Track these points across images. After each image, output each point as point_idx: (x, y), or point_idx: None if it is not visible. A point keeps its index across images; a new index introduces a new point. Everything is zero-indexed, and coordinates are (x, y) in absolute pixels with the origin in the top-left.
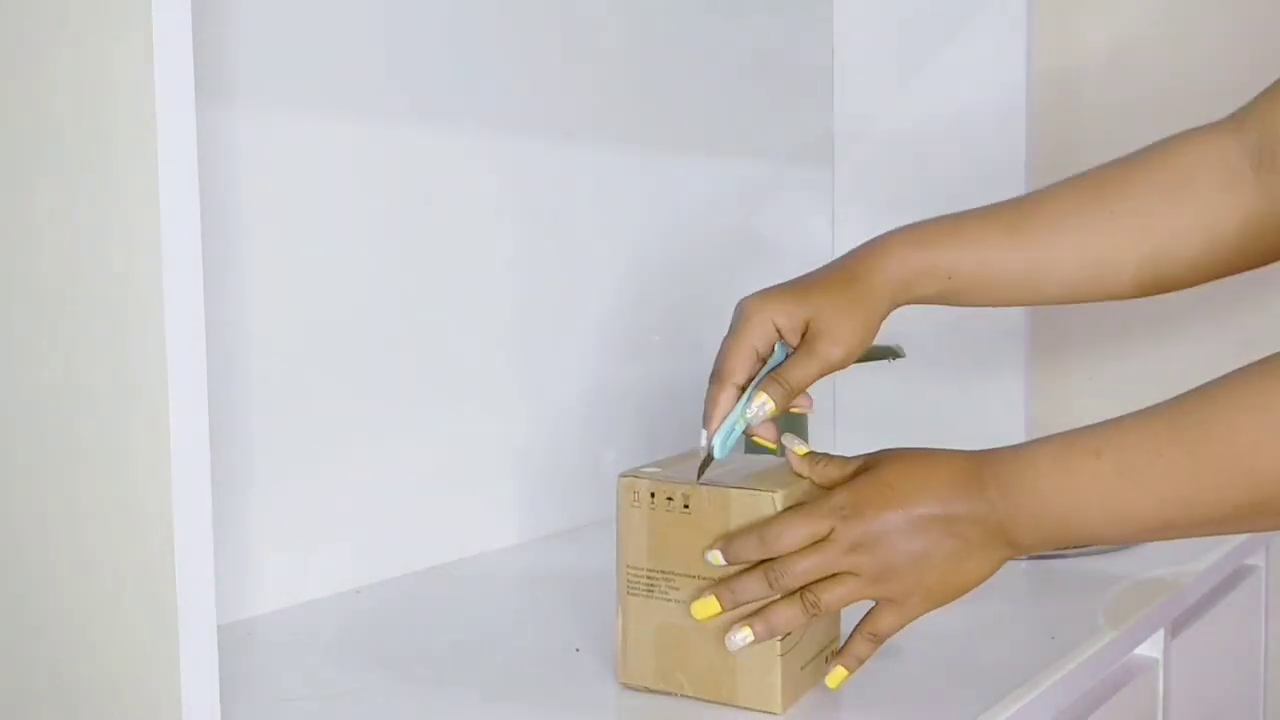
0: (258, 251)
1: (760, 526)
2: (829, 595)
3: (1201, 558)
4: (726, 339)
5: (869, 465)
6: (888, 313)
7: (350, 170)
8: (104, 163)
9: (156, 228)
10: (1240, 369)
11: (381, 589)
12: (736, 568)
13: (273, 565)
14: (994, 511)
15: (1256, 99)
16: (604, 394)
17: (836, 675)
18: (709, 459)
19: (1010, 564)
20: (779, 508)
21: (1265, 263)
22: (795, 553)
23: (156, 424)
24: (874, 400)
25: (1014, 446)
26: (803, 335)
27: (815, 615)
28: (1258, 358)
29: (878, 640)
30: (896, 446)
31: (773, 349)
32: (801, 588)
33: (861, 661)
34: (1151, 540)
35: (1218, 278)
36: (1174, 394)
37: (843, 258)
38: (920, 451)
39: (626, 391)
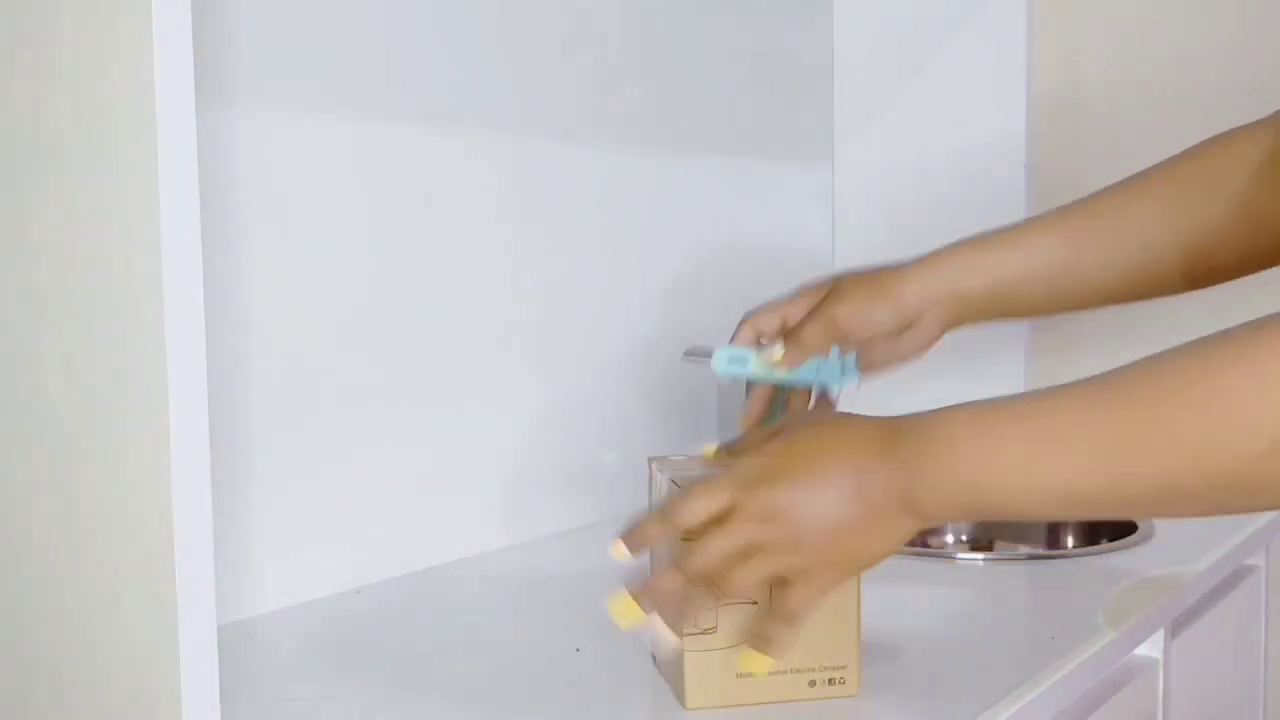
0: (258, 251)
1: (659, 510)
2: (736, 575)
3: (1201, 558)
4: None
5: (776, 431)
6: (918, 303)
7: (350, 170)
8: (104, 163)
9: (156, 228)
10: (1177, 347)
11: (381, 589)
12: None
13: (273, 565)
14: (904, 471)
15: None
16: (604, 394)
17: (747, 660)
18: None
19: (1010, 563)
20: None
21: None
22: (702, 533)
23: (156, 424)
24: (874, 400)
25: (929, 410)
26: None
27: (724, 597)
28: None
29: (794, 620)
30: (812, 413)
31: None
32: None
33: (774, 644)
34: (1063, 516)
35: (1262, 270)
36: None
37: (896, 262)
38: (836, 416)
39: (626, 392)
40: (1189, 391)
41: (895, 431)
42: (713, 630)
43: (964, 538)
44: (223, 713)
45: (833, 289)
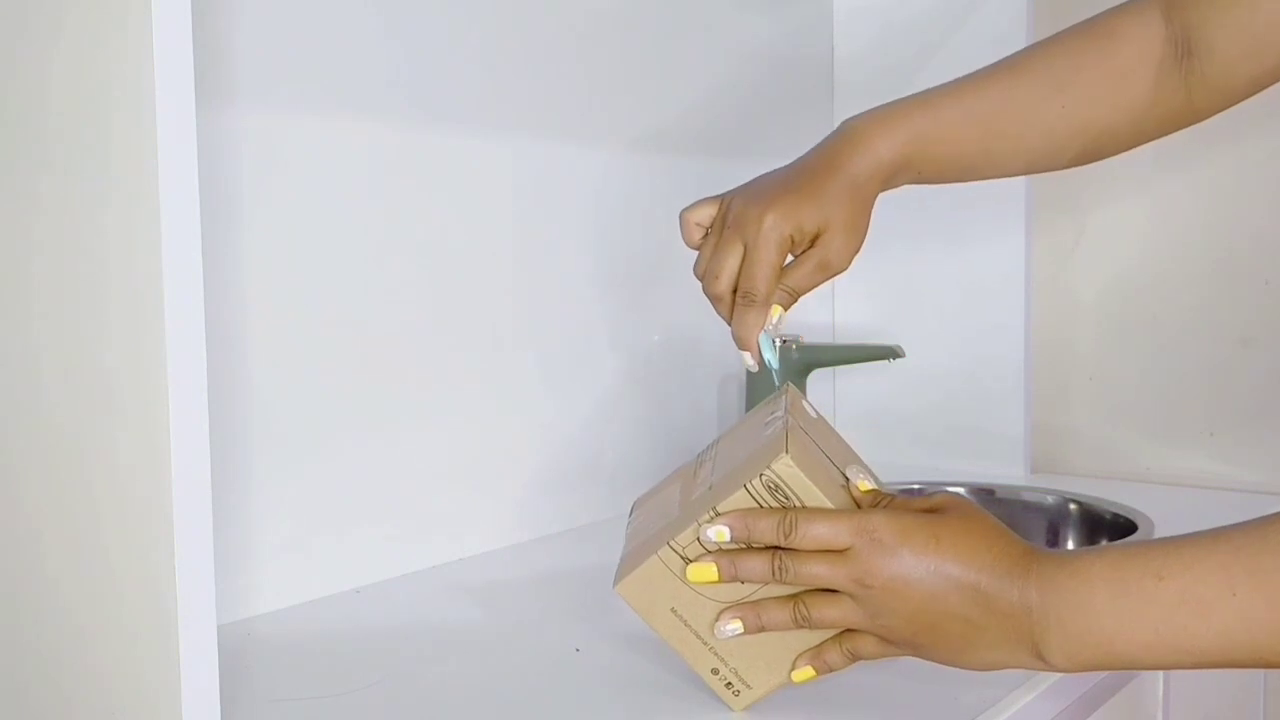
0: (258, 251)
1: (784, 513)
2: (820, 613)
3: None
4: (748, 257)
5: (932, 506)
6: (872, 205)
7: (351, 169)
8: (104, 163)
9: (156, 227)
10: None
11: (381, 589)
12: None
13: (273, 565)
14: (1027, 611)
15: None
16: (604, 395)
17: (803, 673)
18: (781, 395)
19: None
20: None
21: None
22: (809, 552)
23: (156, 424)
24: (874, 400)
25: (1066, 551)
26: (809, 246)
27: (803, 626)
28: (1254, 361)
29: (853, 659)
30: (971, 503)
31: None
32: (799, 595)
33: (832, 670)
34: (1196, 669)
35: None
36: (1170, 388)
37: (826, 150)
38: (984, 515)
39: (627, 392)
40: None
41: (1028, 559)
42: (694, 561)
43: None
44: (223, 713)
45: (820, 228)
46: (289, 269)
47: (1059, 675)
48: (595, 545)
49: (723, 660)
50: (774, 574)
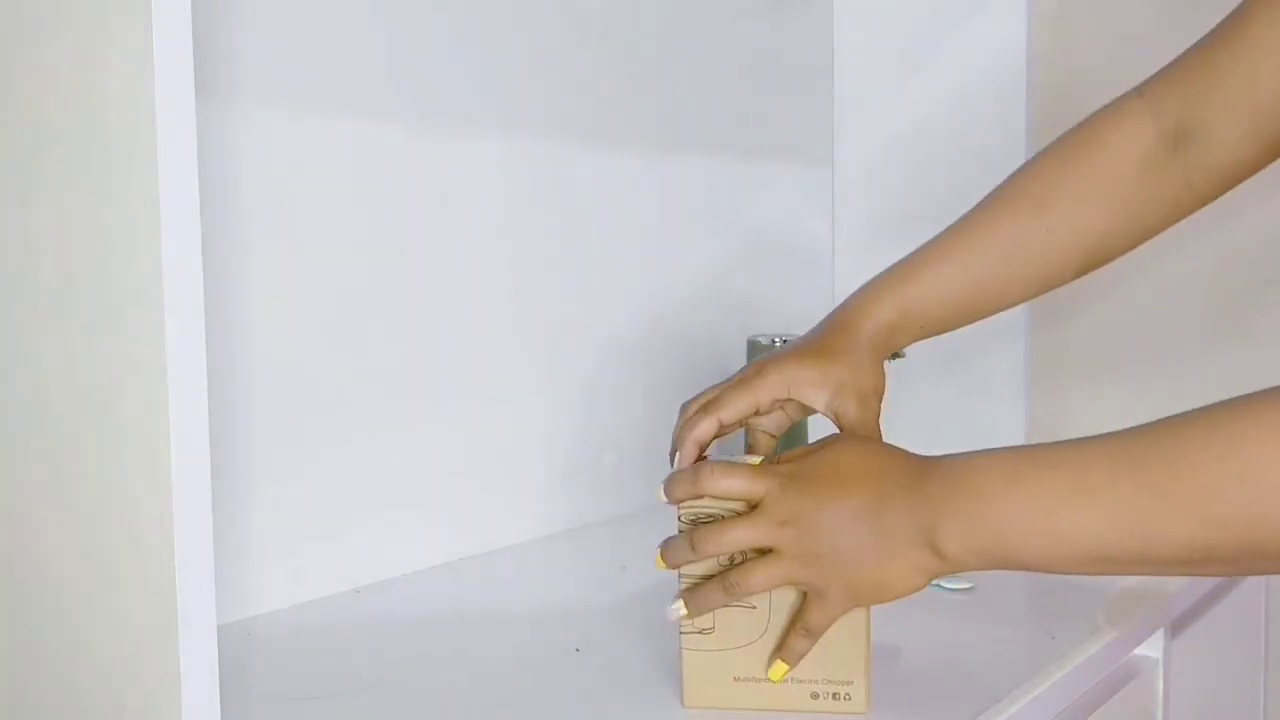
0: (258, 251)
1: (695, 468)
2: (748, 578)
3: None
4: (734, 385)
5: (823, 444)
6: (877, 368)
7: (352, 169)
8: (104, 163)
9: (156, 228)
10: (1216, 405)
11: (381, 589)
12: None
13: (273, 565)
14: (928, 508)
15: (1166, 73)
16: (604, 394)
17: (777, 669)
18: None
19: None
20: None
21: (1176, 223)
22: (725, 521)
23: (156, 424)
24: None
25: (973, 451)
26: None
27: (735, 595)
28: (1254, 361)
29: (811, 635)
30: (860, 437)
31: (772, 408)
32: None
33: (800, 655)
34: (1085, 572)
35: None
36: (1170, 388)
37: (831, 317)
38: (878, 442)
39: (626, 392)
40: (1217, 455)
41: (926, 466)
42: (710, 631)
43: None
44: (223, 713)
45: (757, 371)
46: (289, 269)
47: (1058, 675)
48: (595, 545)
49: (809, 681)
50: (697, 552)
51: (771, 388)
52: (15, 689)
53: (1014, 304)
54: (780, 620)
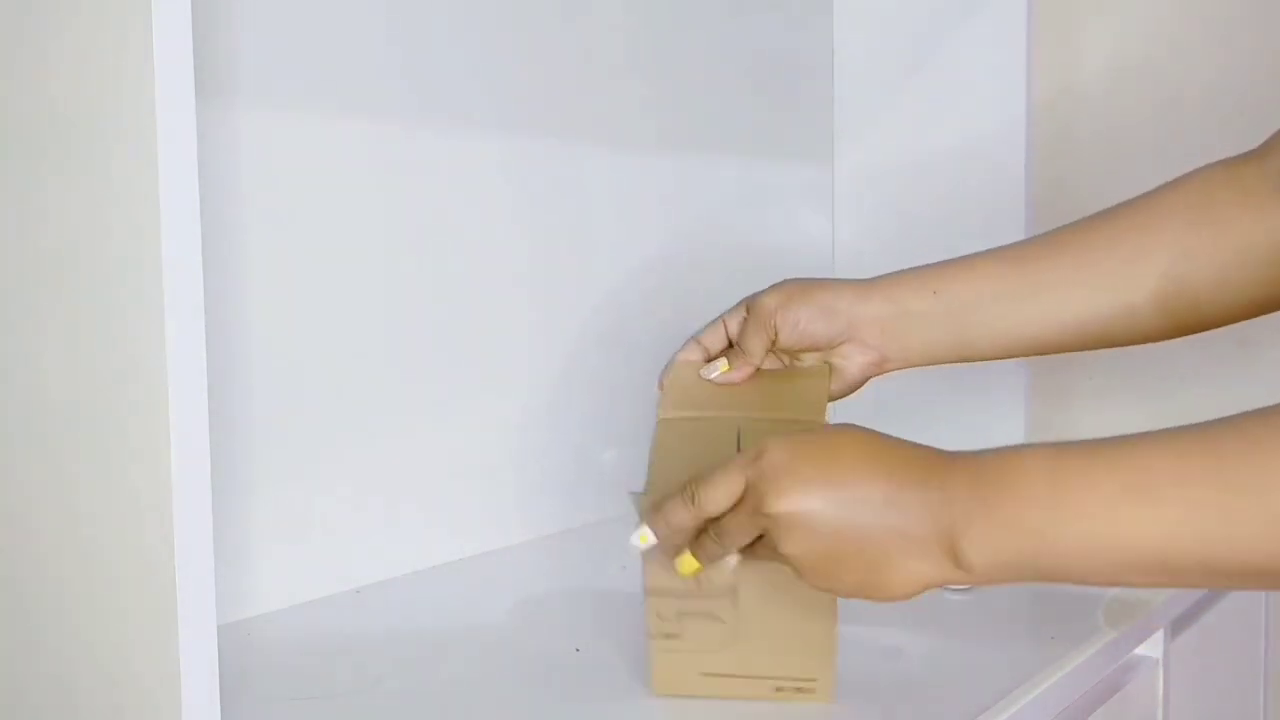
0: (258, 251)
1: (683, 488)
2: (729, 529)
3: None
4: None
5: (814, 430)
6: (850, 316)
7: (352, 169)
8: (104, 162)
9: (156, 227)
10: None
11: (381, 589)
12: None
13: (273, 565)
14: (951, 509)
15: (1273, 136)
16: (604, 394)
17: (686, 563)
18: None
19: None
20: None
21: None
22: (727, 514)
23: (156, 424)
24: (873, 400)
25: (1002, 447)
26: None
27: (720, 549)
28: (1255, 360)
29: (734, 548)
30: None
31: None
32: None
33: (713, 558)
34: (1143, 584)
35: (1262, 311)
36: (1170, 389)
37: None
38: (877, 432)
39: (626, 392)
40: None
41: (947, 461)
42: (677, 637)
43: None
44: (223, 713)
45: (767, 293)
46: (289, 269)
47: (1058, 675)
48: (596, 545)
49: (771, 677)
50: (702, 554)
51: (733, 310)
52: (15, 689)
53: (1074, 336)
54: (748, 629)
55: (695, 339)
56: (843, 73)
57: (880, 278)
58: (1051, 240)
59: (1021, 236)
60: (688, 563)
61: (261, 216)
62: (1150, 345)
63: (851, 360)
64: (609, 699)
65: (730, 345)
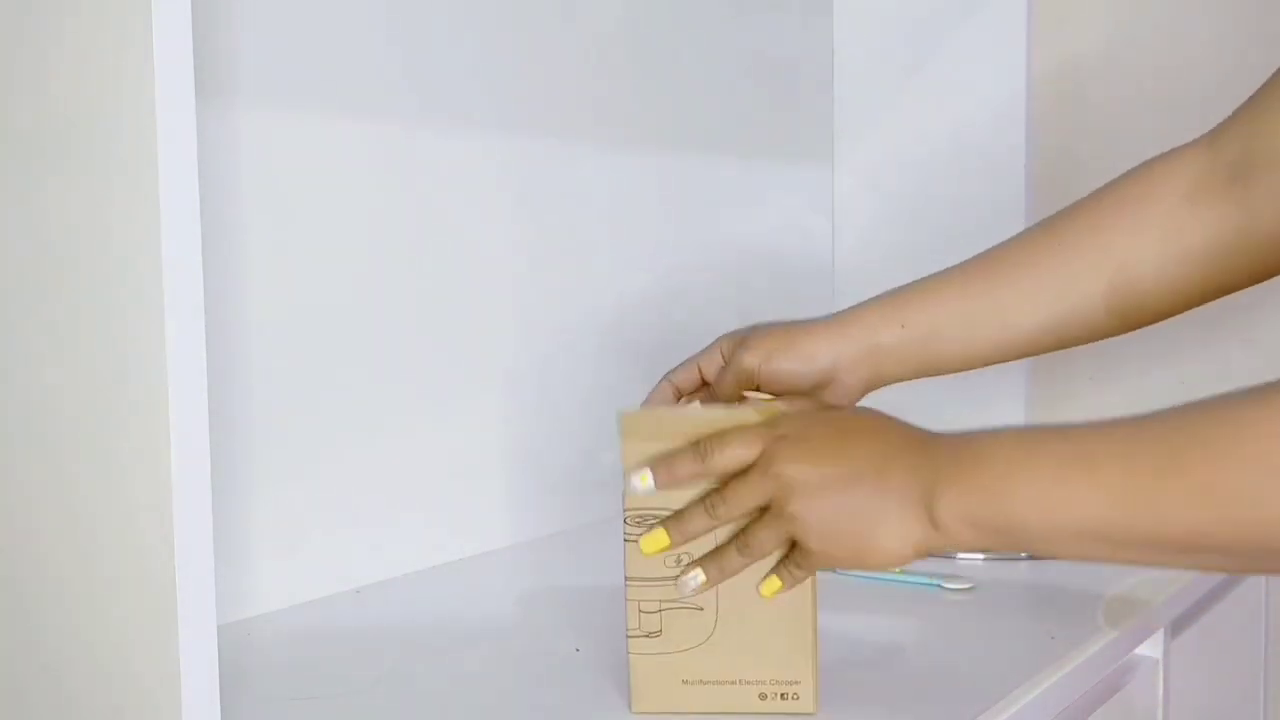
0: (258, 251)
1: (697, 442)
2: (756, 532)
3: None
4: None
5: (824, 405)
6: (830, 359)
7: (351, 168)
8: (104, 163)
9: (156, 228)
10: (1232, 392)
11: (381, 589)
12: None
13: (273, 565)
14: (931, 471)
15: (1235, 114)
16: (603, 394)
17: (648, 541)
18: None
19: (1010, 563)
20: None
21: (1252, 282)
22: (732, 482)
23: (156, 424)
24: (873, 400)
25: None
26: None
27: (748, 555)
28: (1256, 359)
29: (752, 554)
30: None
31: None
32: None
33: (729, 573)
34: (1086, 555)
35: (1203, 301)
36: (1171, 389)
37: (826, 319)
38: (880, 412)
39: (626, 392)
40: (1229, 440)
41: (935, 435)
42: (658, 634)
43: None
44: (223, 713)
45: (742, 339)
46: (289, 269)
47: (1058, 675)
48: (595, 545)
49: (754, 681)
50: (708, 513)
51: (707, 350)
52: (15, 689)
53: (1033, 344)
54: (728, 622)
55: (668, 378)
56: (843, 73)
57: (850, 311)
58: (1007, 255)
59: None
60: (654, 540)
61: (261, 216)
62: (1151, 344)
63: (832, 395)
64: (609, 698)
65: (704, 384)
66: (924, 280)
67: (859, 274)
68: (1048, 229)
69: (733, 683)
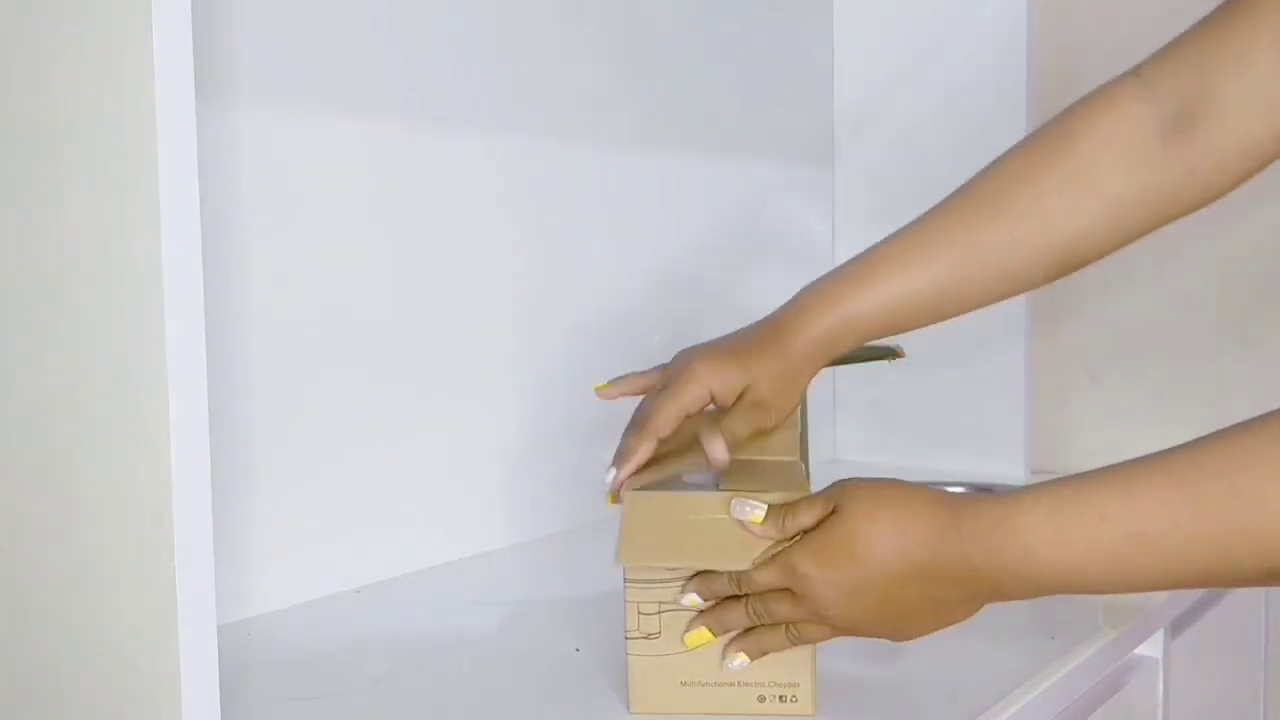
0: (258, 251)
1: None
2: (808, 633)
3: None
4: (661, 393)
5: (835, 507)
6: (812, 374)
7: (351, 169)
8: (104, 163)
9: (156, 228)
10: (1267, 420)
11: (381, 589)
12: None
13: (273, 565)
14: (975, 573)
15: (1164, 55)
16: None
17: (694, 636)
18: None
19: None
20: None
21: (1170, 221)
22: (773, 596)
23: (156, 424)
24: (874, 399)
25: (994, 500)
26: (738, 399)
27: (796, 642)
28: (1255, 358)
29: (796, 640)
30: (860, 481)
31: (701, 410)
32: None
33: (766, 651)
34: (1151, 591)
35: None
36: (1171, 389)
37: (770, 317)
38: (886, 498)
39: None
40: (1263, 454)
41: (954, 524)
42: (657, 636)
43: None
44: (223, 713)
45: (746, 393)
46: (289, 269)
47: (1058, 675)
48: (595, 545)
49: (752, 684)
50: (750, 618)
51: (696, 395)
52: (15, 689)
53: (976, 308)
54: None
55: (655, 434)
56: (843, 73)
57: (799, 315)
58: (944, 235)
59: None
60: (699, 636)
61: (261, 216)
62: (1150, 343)
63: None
64: (609, 698)
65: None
66: (862, 269)
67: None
68: (983, 208)
69: (731, 684)
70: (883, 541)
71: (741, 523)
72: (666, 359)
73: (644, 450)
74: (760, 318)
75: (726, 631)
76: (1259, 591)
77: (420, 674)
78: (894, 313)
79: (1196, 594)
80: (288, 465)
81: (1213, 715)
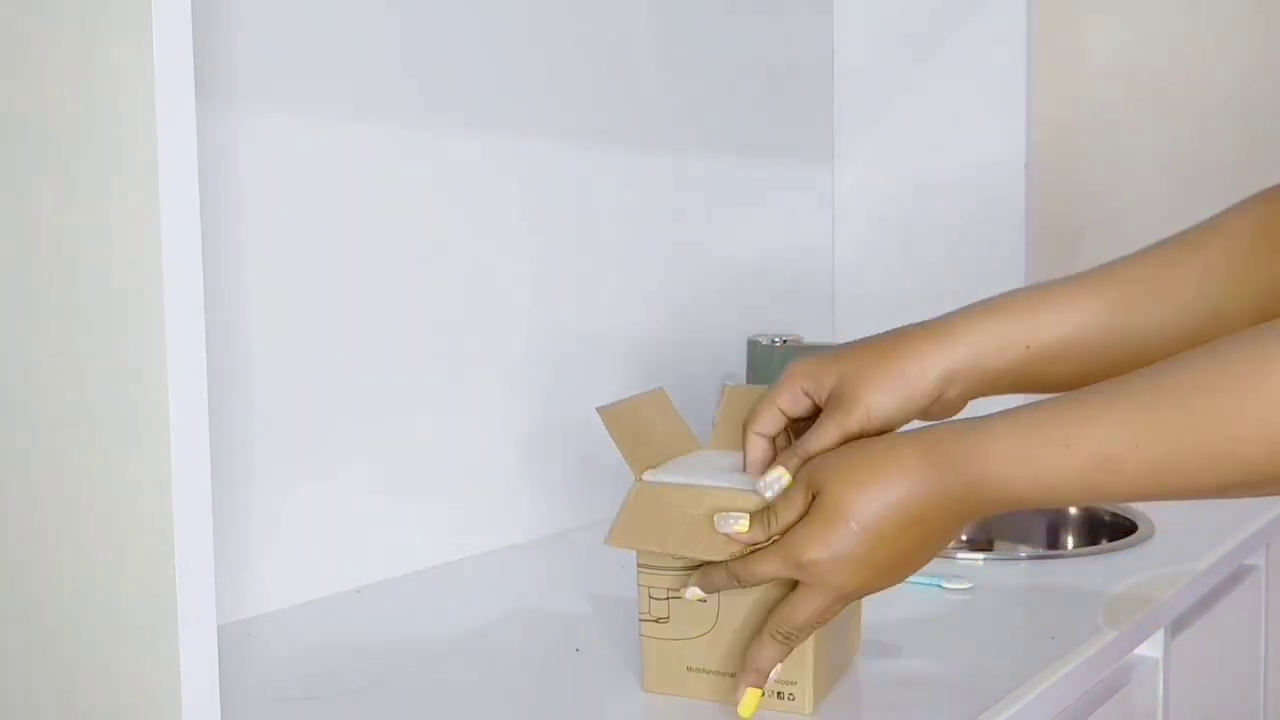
0: (259, 252)
1: (729, 566)
2: (829, 615)
3: (1201, 557)
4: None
5: (814, 490)
6: (940, 385)
7: (352, 170)
8: (104, 163)
9: (156, 228)
10: (1219, 343)
11: (381, 589)
12: None
13: (273, 565)
14: (960, 503)
15: None
16: (604, 395)
17: (748, 703)
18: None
19: (1010, 563)
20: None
21: None
22: (794, 607)
23: (156, 424)
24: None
25: (963, 432)
26: (827, 399)
27: (744, 584)
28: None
29: (793, 637)
30: (826, 457)
31: (803, 411)
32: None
33: (774, 662)
34: (1092, 491)
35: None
36: None
37: (907, 325)
38: (862, 460)
39: (627, 392)
40: (1239, 399)
41: (928, 456)
42: (665, 621)
43: (964, 537)
44: (222, 713)
45: (835, 388)
46: (289, 269)
47: (1058, 675)
48: (596, 545)
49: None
50: (784, 644)
51: (788, 391)
52: (15, 689)
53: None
54: (729, 616)
55: (756, 431)
56: (843, 73)
57: (963, 329)
58: (1135, 273)
59: (1020, 237)
60: (749, 703)
61: (261, 217)
62: None
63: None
64: (608, 699)
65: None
66: (1037, 292)
67: (859, 274)
68: (1177, 248)
69: (732, 675)
70: (875, 501)
71: (728, 536)
72: (665, 360)
73: (752, 449)
74: (762, 315)
75: (713, 589)
76: (1259, 591)
77: (420, 674)
78: (1070, 344)
79: (1196, 594)
80: (288, 465)
81: (1213, 715)
